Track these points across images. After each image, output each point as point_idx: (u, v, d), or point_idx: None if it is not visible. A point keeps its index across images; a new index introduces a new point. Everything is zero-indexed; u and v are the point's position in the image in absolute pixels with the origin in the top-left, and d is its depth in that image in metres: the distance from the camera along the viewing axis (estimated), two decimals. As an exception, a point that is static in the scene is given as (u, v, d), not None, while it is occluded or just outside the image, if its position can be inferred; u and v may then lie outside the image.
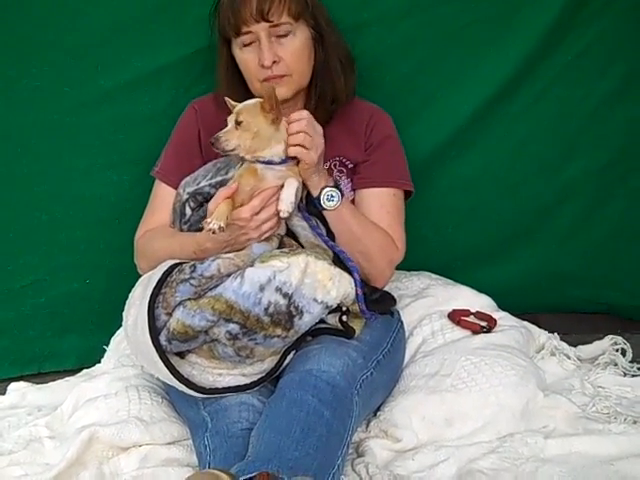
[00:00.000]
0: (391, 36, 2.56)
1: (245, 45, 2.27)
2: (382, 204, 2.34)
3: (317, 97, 2.35)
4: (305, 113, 2.11)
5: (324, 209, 2.16)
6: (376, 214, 2.31)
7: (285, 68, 2.26)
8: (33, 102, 2.52)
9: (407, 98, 2.62)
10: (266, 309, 1.98)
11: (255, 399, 2.08)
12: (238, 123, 2.06)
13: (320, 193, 2.15)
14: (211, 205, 2.07)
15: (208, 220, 2.01)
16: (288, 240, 2.18)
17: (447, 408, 2.18)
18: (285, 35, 2.24)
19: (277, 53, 2.24)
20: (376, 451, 2.12)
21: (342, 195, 2.18)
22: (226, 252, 2.09)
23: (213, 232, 1.99)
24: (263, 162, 2.08)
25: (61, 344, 2.75)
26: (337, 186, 2.18)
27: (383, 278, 2.32)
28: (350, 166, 2.38)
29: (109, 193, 2.63)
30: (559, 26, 2.54)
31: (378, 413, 2.24)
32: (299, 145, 2.07)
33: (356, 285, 2.11)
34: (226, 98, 2.15)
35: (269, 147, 2.07)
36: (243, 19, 2.22)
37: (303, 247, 2.17)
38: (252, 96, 2.26)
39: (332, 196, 2.16)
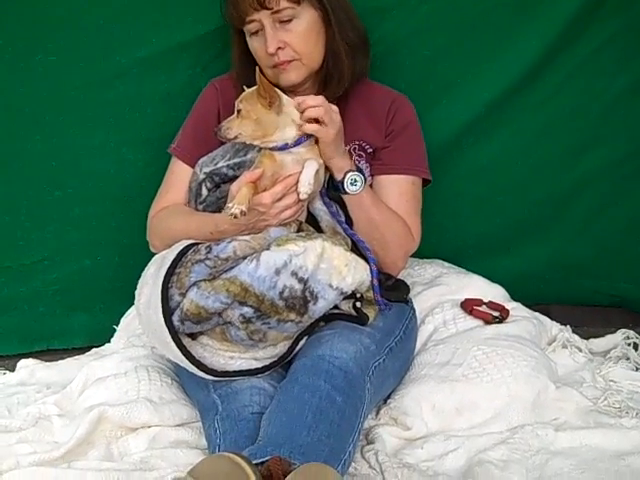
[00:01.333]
0: (411, 21, 2.54)
1: (252, 33, 2.26)
2: (401, 192, 2.32)
3: (324, 77, 2.32)
4: (318, 97, 2.09)
5: (347, 193, 2.14)
6: (395, 202, 2.29)
7: (292, 53, 2.24)
8: (48, 77, 2.50)
9: (426, 84, 2.61)
10: (281, 293, 1.97)
11: (266, 383, 2.07)
12: (238, 111, 2.05)
13: (344, 177, 2.13)
14: (233, 187, 2.06)
15: (230, 204, 1.99)
16: (306, 226, 2.16)
17: (458, 398, 2.17)
18: (289, 20, 2.22)
19: (283, 39, 2.22)
20: (386, 438, 2.11)
21: (365, 180, 2.16)
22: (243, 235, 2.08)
23: (235, 217, 1.97)
24: (278, 148, 2.06)
25: (71, 322, 2.74)
26: (361, 170, 2.16)
27: (396, 268, 2.32)
28: (369, 150, 2.36)
29: (123, 170, 2.62)
30: (581, 17, 2.52)
31: (388, 401, 2.23)
32: (314, 121, 2.04)
33: (372, 275, 2.10)
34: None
35: (277, 132, 2.05)
36: (244, 9, 2.22)
37: (323, 232, 2.15)
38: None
39: (355, 180, 2.14)
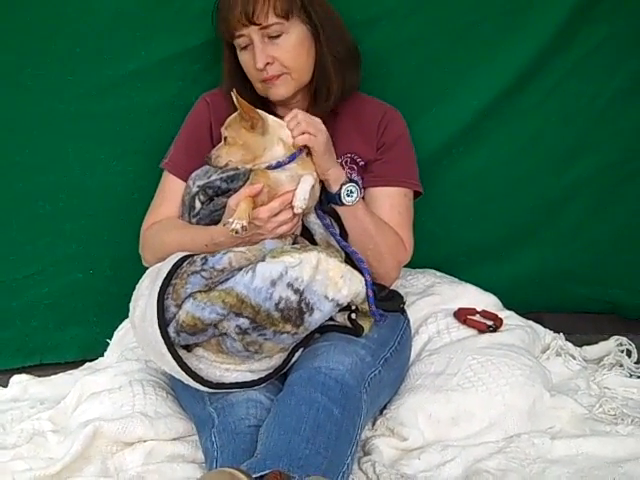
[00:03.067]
0: (400, 31, 2.55)
1: (242, 48, 2.27)
2: (393, 205, 2.33)
3: (313, 91, 2.33)
4: (294, 110, 2.10)
5: (343, 204, 2.15)
6: (387, 214, 2.30)
7: (281, 67, 2.25)
8: (37, 91, 2.49)
9: (416, 93, 2.61)
10: (277, 304, 1.96)
11: (262, 396, 2.07)
12: (225, 139, 2.05)
13: (340, 189, 2.14)
14: (232, 201, 2.06)
15: (230, 220, 1.99)
16: (301, 239, 2.17)
17: (453, 407, 2.18)
18: (278, 35, 2.23)
19: (272, 54, 2.22)
20: (382, 449, 2.11)
21: (361, 190, 2.17)
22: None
23: (236, 232, 1.98)
24: (273, 167, 2.07)
25: (63, 335, 2.72)
26: (355, 181, 2.17)
27: (390, 278, 2.33)
28: (361, 163, 2.36)
29: (114, 184, 2.61)
30: (571, 23, 2.53)
31: (385, 411, 2.23)
32: (303, 133, 2.05)
33: (367, 286, 2.10)
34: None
35: (266, 152, 2.05)
36: (232, 24, 2.23)
37: (318, 245, 2.16)
38: (256, 96, 2.29)
39: (351, 191, 2.15)
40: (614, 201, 2.75)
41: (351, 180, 2.16)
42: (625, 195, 2.74)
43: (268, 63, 2.23)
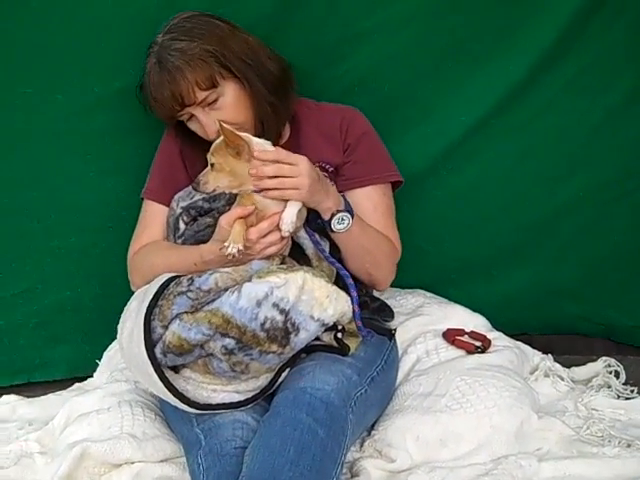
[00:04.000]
0: (390, 46, 2.53)
1: (187, 120, 2.28)
2: (375, 206, 2.34)
3: (261, 124, 2.29)
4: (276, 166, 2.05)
5: (334, 232, 2.16)
6: (372, 218, 2.30)
7: (231, 123, 2.17)
8: (25, 109, 2.47)
9: (405, 108, 2.60)
10: (262, 324, 1.96)
11: (249, 417, 2.07)
12: (212, 165, 2.05)
13: (331, 218, 2.14)
14: (223, 221, 2.06)
15: (226, 244, 2.01)
16: (289, 260, 2.17)
17: (441, 429, 2.17)
18: (215, 100, 2.22)
19: (217, 118, 2.14)
20: (370, 471, 2.11)
21: (353, 216, 2.16)
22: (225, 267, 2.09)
23: (233, 256, 2.00)
24: (258, 191, 2.06)
25: (52, 354, 2.72)
26: (349, 208, 2.16)
27: (386, 282, 2.38)
28: (331, 170, 2.36)
29: (102, 201, 2.60)
30: (562, 41, 2.50)
31: (372, 432, 2.23)
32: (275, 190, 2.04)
33: (353, 302, 2.10)
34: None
35: (252, 178, 2.05)
36: (169, 112, 2.24)
37: (310, 260, 2.18)
38: None
39: (343, 219, 2.15)
40: (606, 220, 2.71)
41: (344, 208, 2.15)
42: (618, 214, 2.70)
43: (218, 130, 2.13)
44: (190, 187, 2.24)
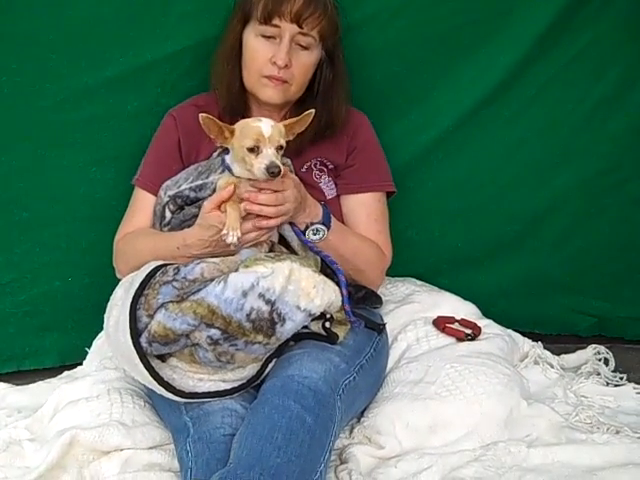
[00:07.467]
0: (381, 36, 2.54)
1: (264, 36, 2.26)
2: (369, 213, 2.37)
3: (302, 104, 2.32)
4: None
5: (309, 242, 2.18)
6: (364, 224, 2.35)
7: (290, 75, 2.27)
8: (14, 99, 2.46)
9: (396, 98, 2.61)
10: (248, 315, 1.97)
11: (238, 404, 2.07)
12: (280, 147, 2.04)
13: (305, 229, 2.18)
14: (206, 204, 2.08)
15: (225, 232, 2.02)
16: (278, 247, 2.17)
17: (431, 415, 2.18)
18: (304, 48, 2.26)
19: (292, 59, 2.24)
20: (359, 458, 2.11)
21: (329, 228, 2.20)
22: (211, 256, 2.08)
23: (234, 246, 2.02)
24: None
25: (41, 342, 2.70)
26: (324, 222, 2.19)
27: (375, 286, 2.40)
28: (331, 167, 2.39)
29: (92, 191, 2.59)
30: (553, 30, 2.52)
31: (362, 419, 2.23)
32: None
33: (341, 287, 2.11)
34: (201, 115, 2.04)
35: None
36: (280, 12, 2.23)
37: (296, 252, 2.17)
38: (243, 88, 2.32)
39: (317, 230, 2.19)
40: (598, 211, 2.72)
41: (319, 221, 2.19)
42: (609, 205, 2.71)
43: (286, 65, 2.24)
44: (177, 176, 2.25)
